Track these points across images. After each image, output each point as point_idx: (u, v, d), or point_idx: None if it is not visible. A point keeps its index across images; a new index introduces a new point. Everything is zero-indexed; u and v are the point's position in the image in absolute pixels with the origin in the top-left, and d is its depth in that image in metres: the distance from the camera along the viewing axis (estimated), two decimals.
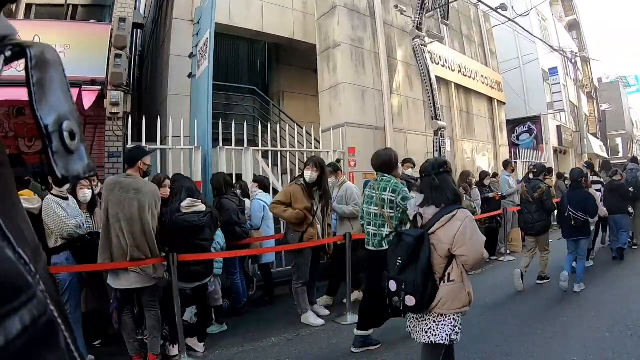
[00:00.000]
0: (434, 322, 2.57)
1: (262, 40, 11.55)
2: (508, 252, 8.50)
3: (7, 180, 0.39)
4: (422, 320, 2.62)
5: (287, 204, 4.73)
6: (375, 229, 3.91)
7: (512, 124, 17.92)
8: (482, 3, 13.71)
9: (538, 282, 5.89)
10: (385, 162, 3.97)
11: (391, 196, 3.80)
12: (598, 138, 27.94)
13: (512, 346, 3.92)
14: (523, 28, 15.92)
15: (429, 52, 10.86)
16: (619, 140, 40.53)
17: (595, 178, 8.58)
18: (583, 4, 29.69)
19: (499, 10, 13.77)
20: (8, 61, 0.38)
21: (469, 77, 12.40)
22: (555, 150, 18.96)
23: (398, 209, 3.81)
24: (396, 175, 4.10)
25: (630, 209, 7.55)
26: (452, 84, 11.70)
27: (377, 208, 3.88)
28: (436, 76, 11.01)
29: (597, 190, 7.15)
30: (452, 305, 2.53)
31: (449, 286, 2.53)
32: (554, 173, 13.86)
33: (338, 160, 7.21)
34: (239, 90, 11.28)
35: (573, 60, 20.76)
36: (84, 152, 0.41)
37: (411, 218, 2.92)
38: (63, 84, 0.42)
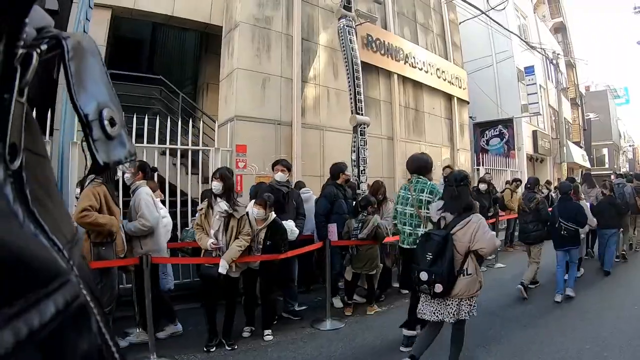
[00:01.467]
0: (457, 306, 3.09)
1: (193, 29, 9.44)
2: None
3: (46, 171, 0.40)
4: (447, 305, 3.11)
5: (98, 209, 3.56)
6: (411, 228, 3.94)
7: (482, 127, 15.72)
8: None
9: (530, 286, 5.76)
10: (421, 165, 4.04)
11: (428, 197, 3.84)
12: (582, 147, 25.69)
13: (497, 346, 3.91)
14: (495, 21, 13.81)
15: (366, 36, 8.77)
16: (605, 151, 38.33)
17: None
18: (571, 7, 27.49)
19: None
20: (44, 54, 0.36)
21: (420, 69, 10.17)
22: (530, 158, 16.71)
23: None
24: (430, 178, 4.07)
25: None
26: (395, 75, 9.47)
27: (412, 209, 3.93)
28: (373, 65, 8.94)
29: None
30: (469, 293, 3.09)
31: (467, 279, 3.06)
32: (522, 183, 11.73)
33: (154, 170, 5.05)
34: (147, 80, 9.19)
35: (554, 61, 18.54)
36: (124, 138, 0.41)
37: (435, 221, 3.32)
38: (101, 72, 0.41)
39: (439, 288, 3.00)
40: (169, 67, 11.65)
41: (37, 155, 0.38)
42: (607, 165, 36.57)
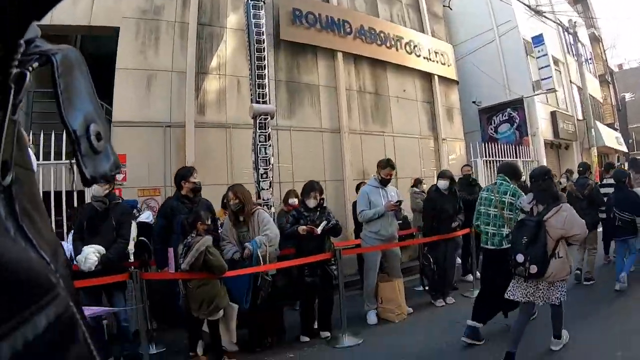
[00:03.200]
0: (547, 290, 3.22)
1: None
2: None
3: (32, 184, 0.40)
4: (538, 289, 3.23)
5: None
6: (495, 229, 3.93)
7: (489, 113, 12.89)
8: None
9: (585, 283, 5.38)
10: (510, 171, 4.16)
11: (511, 199, 3.87)
12: (616, 129, 21.97)
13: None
14: None
15: (292, 11, 6.62)
16: None
17: (606, 180, 6.84)
18: None
19: None
20: (34, 69, 0.36)
21: (380, 45, 7.74)
22: (550, 145, 13.67)
23: (516, 212, 3.80)
24: (514, 183, 4.08)
25: None
26: (340, 53, 7.13)
27: (496, 210, 3.93)
28: (308, 45, 6.79)
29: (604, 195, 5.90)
30: (559, 275, 3.19)
31: (559, 260, 3.16)
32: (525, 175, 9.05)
33: None
34: None
35: (572, 30, 15.43)
36: (109, 151, 0.41)
37: (527, 210, 3.42)
38: (87, 85, 0.40)
39: (533, 269, 3.12)
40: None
41: (25, 169, 0.38)
42: None
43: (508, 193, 3.87)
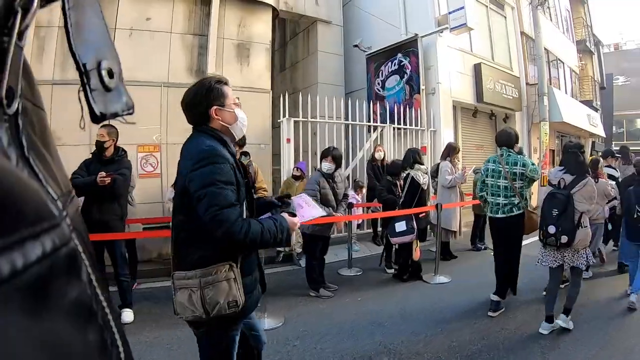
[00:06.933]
0: (572, 256, 3.38)
1: None
2: None
3: (43, 122, 0.38)
4: (564, 256, 3.40)
5: None
6: (506, 199, 3.94)
7: (377, 61, 8.87)
8: None
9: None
10: (510, 140, 4.01)
11: (522, 169, 3.86)
12: (596, 109, 17.74)
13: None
14: None
15: None
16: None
17: (611, 171, 5.90)
18: None
19: None
20: (44, 3, 0.34)
21: None
22: (474, 112, 9.67)
23: (526, 180, 3.87)
24: (516, 150, 4.06)
25: None
26: None
27: (506, 181, 3.91)
28: None
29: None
30: (584, 243, 3.35)
31: (584, 230, 3.32)
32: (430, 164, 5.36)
33: None
34: None
35: None
36: (122, 90, 0.39)
37: (554, 183, 3.51)
38: (100, 23, 0.39)
39: (564, 239, 3.27)
40: None
41: (35, 106, 0.35)
42: None
43: (518, 164, 3.87)
